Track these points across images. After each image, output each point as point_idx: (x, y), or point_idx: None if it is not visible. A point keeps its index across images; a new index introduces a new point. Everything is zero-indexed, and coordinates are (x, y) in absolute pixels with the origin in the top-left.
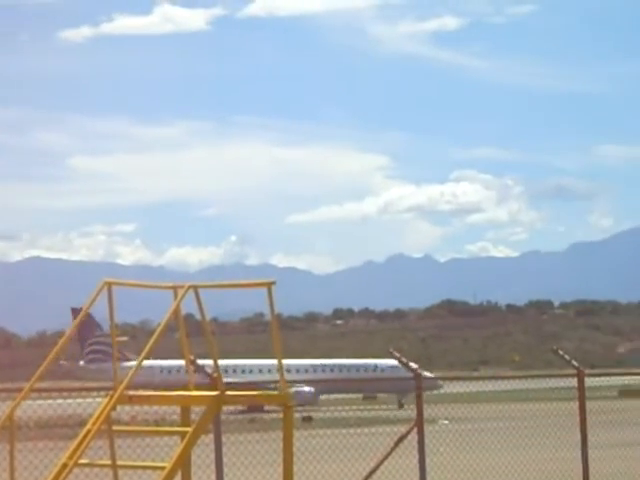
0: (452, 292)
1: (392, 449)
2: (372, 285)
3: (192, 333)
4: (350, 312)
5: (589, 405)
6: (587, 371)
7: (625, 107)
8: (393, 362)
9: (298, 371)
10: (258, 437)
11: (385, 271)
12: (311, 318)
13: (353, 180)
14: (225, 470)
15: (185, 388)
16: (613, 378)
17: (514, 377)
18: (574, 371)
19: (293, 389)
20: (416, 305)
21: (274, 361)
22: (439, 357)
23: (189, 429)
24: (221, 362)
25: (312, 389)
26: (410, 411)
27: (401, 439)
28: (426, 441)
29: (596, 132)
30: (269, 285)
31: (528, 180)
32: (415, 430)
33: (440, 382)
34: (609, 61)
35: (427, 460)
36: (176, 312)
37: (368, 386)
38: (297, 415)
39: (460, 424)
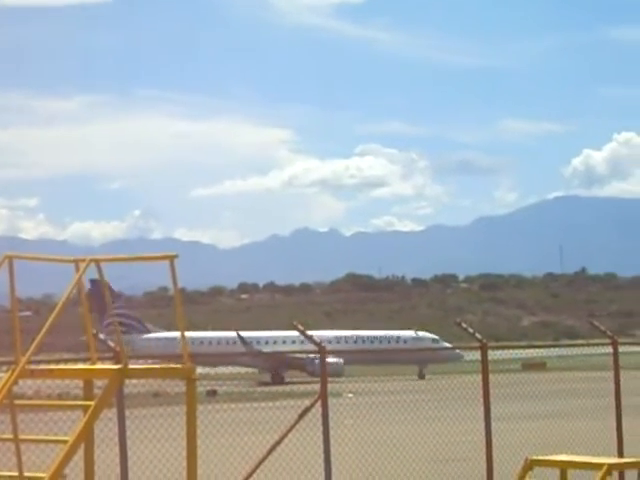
0: (357, 266)
1: (295, 422)
2: (277, 259)
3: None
4: (255, 286)
5: (493, 378)
6: (490, 344)
7: (529, 82)
8: (415, 333)
9: (322, 342)
10: (162, 411)
11: (290, 245)
12: (216, 292)
13: (257, 154)
14: (129, 444)
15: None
16: (517, 351)
17: (419, 350)
18: (478, 344)
19: (317, 360)
20: (321, 279)
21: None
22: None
23: (91, 403)
24: (251, 334)
25: (340, 360)
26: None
27: (305, 412)
28: (331, 414)
29: (501, 107)
30: (171, 258)
31: (433, 154)
32: (320, 403)
33: (460, 352)
34: (513, 37)
35: (332, 433)
36: (78, 286)
37: (390, 357)
38: (201, 389)
39: (365, 397)
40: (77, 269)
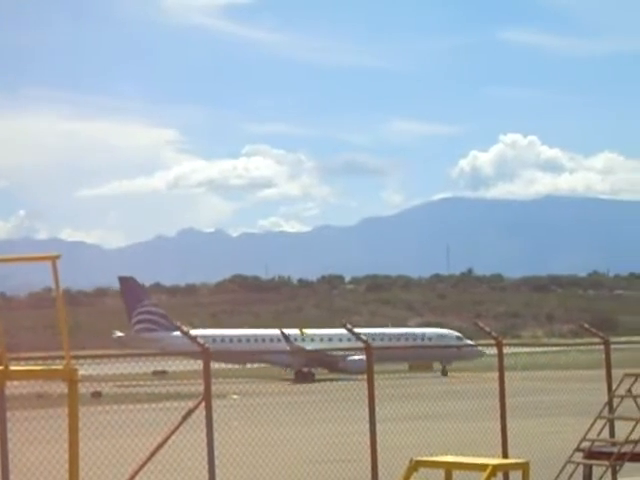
0: (244, 267)
1: (179, 424)
2: (163, 260)
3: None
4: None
5: (378, 379)
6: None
7: (416, 84)
8: (439, 331)
9: (349, 339)
10: (43, 413)
11: (176, 246)
12: (100, 293)
13: (144, 154)
14: (10, 446)
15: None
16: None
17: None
18: (363, 345)
19: (354, 357)
20: (207, 280)
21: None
22: None
23: None
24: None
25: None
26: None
27: (189, 414)
28: (216, 416)
29: (388, 108)
30: (53, 259)
31: (320, 155)
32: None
33: (482, 349)
34: (401, 38)
35: (217, 435)
36: None
37: (414, 354)
38: (83, 390)
39: (251, 398)
40: None
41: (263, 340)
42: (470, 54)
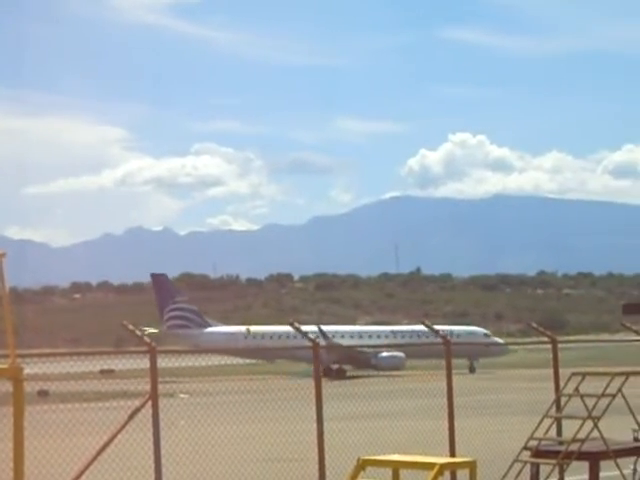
0: (192, 265)
1: (125, 422)
2: (111, 258)
3: None
4: (88, 285)
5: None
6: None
7: (366, 82)
8: (468, 328)
9: (379, 336)
10: None
11: (124, 244)
12: (48, 291)
13: (91, 152)
14: None
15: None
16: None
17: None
18: (311, 344)
19: (385, 354)
20: None
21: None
22: None
23: None
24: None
25: (403, 354)
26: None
27: (135, 412)
28: (162, 415)
29: (337, 107)
30: None
31: (269, 154)
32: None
33: (509, 347)
34: (350, 36)
35: (164, 434)
36: None
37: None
38: (29, 389)
39: (199, 398)
40: None
41: (287, 337)
42: (419, 53)
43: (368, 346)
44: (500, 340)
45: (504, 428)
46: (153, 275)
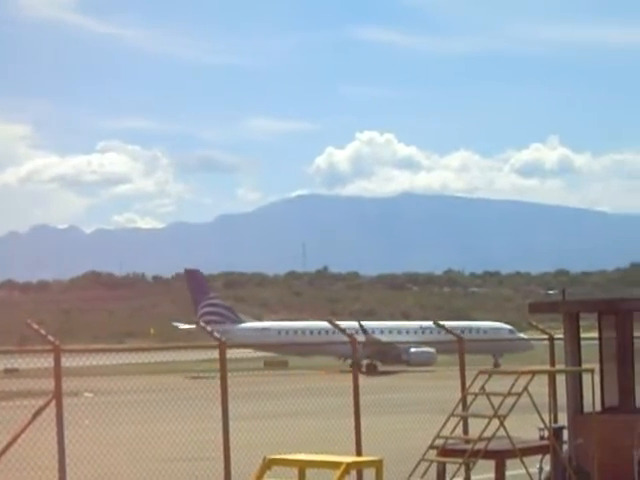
0: (98, 263)
1: (29, 422)
2: (15, 256)
3: None
4: None
5: (232, 377)
6: (229, 342)
7: (273, 81)
8: (494, 324)
9: (408, 332)
10: None
11: (29, 242)
12: None
13: None
14: None
15: None
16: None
17: (159, 349)
18: (216, 343)
19: (414, 349)
20: (61, 276)
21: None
22: (83, 329)
23: None
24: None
25: (434, 350)
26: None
27: (38, 412)
28: (67, 414)
29: (244, 105)
30: None
31: (176, 152)
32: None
33: (532, 343)
34: (258, 34)
35: (68, 433)
36: None
37: (474, 347)
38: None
39: (104, 397)
40: None
41: (319, 333)
42: (325, 52)
43: (407, 342)
44: (524, 336)
45: (411, 427)
46: (187, 270)
